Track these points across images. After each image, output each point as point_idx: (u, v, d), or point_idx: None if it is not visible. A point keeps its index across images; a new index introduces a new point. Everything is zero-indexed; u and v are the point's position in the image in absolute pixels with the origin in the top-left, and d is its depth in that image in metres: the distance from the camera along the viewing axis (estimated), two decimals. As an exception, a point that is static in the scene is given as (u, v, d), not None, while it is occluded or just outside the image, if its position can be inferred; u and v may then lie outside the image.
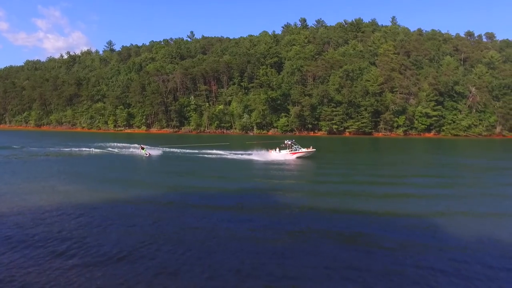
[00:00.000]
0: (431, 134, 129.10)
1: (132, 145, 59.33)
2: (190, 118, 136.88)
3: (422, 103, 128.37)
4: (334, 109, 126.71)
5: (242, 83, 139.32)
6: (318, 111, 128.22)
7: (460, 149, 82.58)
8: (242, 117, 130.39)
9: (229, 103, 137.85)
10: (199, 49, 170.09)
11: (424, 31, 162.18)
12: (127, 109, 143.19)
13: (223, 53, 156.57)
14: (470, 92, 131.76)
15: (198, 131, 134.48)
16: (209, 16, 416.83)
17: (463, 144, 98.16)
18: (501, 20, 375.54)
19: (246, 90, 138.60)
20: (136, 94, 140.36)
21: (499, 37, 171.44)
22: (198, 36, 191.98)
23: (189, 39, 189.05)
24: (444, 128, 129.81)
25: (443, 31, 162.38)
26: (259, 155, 50.45)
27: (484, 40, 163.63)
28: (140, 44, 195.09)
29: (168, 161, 47.95)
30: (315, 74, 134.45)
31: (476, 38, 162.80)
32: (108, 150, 57.99)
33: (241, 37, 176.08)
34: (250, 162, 46.65)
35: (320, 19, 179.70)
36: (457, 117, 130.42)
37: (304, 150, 51.08)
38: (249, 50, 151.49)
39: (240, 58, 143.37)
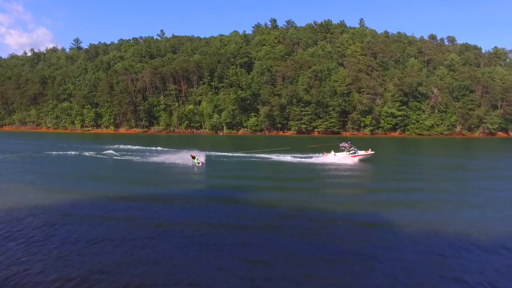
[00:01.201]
0: (396, 133, 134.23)
1: (173, 151, 52.13)
2: (160, 118, 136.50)
3: (388, 103, 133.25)
4: (303, 109, 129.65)
5: (212, 83, 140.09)
6: (287, 111, 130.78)
7: (423, 148, 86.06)
8: (212, 117, 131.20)
9: (199, 102, 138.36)
10: (169, 48, 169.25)
11: (390, 33, 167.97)
12: (94, 109, 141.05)
13: (193, 53, 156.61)
14: (433, 93, 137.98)
15: (168, 131, 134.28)
16: (179, 15, 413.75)
17: (426, 143, 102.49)
18: (461, 24, 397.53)
19: (216, 90, 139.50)
20: (104, 94, 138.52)
21: (459, 40, 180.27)
22: (168, 35, 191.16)
23: (159, 38, 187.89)
24: (408, 127, 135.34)
25: (408, 34, 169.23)
26: (320, 159, 48.03)
27: (446, 43, 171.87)
28: (108, 42, 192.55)
29: (241, 166, 42.71)
30: (284, 74, 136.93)
31: (439, 41, 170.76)
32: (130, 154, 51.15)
33: (211, 36, 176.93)
34: (325, 166, 44.04)
35: (290, 19, 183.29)
36: (420, 117, 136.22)
37: (363, 152, 48.90)
38: (219, 50, 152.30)
39: (210, 58, 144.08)
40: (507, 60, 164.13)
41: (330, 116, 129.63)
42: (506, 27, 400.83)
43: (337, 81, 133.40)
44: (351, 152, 48.18)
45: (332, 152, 48.56)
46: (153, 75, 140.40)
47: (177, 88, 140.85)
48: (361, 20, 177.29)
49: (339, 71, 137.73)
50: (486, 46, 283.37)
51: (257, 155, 50.16)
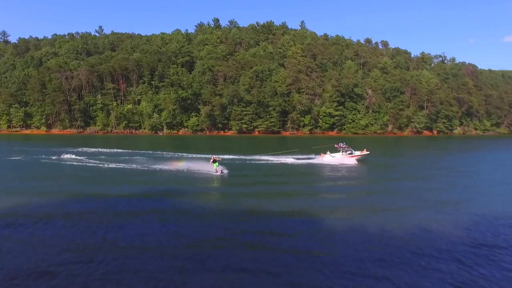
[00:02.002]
0: (333, 133, 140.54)
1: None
2: (96, 118, 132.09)
3: (326, 103, 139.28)
4: (244, 108, 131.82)
5: (152, 82, 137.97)
6: (228, 111, 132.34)
7: (362, 146, 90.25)
8: (152, 117, 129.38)
9: (139, 102, 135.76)
10: (108, 45, 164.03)
11: (329, 36, 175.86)
12: (23, 108, 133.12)
13: (133, 51, 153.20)
14: (367, 94, 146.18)
15: (105, 131, 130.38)
16: (119, 11, 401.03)
17: (362, 142, 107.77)
18: (393, 30, 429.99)
19: (156, 89, 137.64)
20: (35, 92, 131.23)
21: (392, 45, 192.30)
22: (107, 31, 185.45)
23: (97, 34, 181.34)
24: (345, 126, 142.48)
25: (346, 37, 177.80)
26: (321, 160, 48.37)
27: (380, 47, 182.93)
28: (40, 37, 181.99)
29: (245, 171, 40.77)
30: (226, 74, 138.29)
31: (373, 45, 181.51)
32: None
33: (153, 34, 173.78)
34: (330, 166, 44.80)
35: (233, 20, 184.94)
36: (356, 116, 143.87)
37: (358, 152, 49.62)
38: (160, 48, 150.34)
39: (151, 56, 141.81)
40: (432, 65, 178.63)
41: (270, 116, 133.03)
42: (432, 34, 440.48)
43: (277, 82, 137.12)
44: (347, 152, 49.23)
45: (328, 153, 49.46)
46: (90, 73, 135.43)
47: (115, 87, 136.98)
48: (302, 22, 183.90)
49: (280, 71, 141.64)
50: (415, 51, 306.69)
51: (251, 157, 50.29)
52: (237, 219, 20.74)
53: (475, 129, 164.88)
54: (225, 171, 35.88)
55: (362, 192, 30.50)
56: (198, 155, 49.98)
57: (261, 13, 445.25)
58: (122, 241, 16.75)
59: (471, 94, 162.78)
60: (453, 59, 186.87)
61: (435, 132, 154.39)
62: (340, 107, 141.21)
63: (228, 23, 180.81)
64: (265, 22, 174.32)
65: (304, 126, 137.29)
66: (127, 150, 56.44)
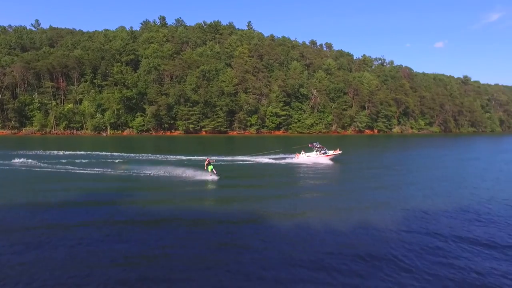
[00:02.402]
0: (280, 132, 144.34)
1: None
2: (33, 118, 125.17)
3: (272, 103, 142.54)
4: (190, 108, 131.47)
5: (95, 81, 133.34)
6: (174, 111, 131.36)
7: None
8: (95, 117, 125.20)
9: (80, 101, 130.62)
10: (46, 41, 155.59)
11: (276, 37, 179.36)
12: None
13: (74, 47, 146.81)
14: (312, 94, 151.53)
15: (43, 132, 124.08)
16: (59, 5, 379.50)
17: (308, 141, 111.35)
18: (337, 32, 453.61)
19: (99, 88, 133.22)
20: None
21: (336, 47, 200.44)
22: (44, 26, 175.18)
23: (33, 29, 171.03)
24: (291, 126, 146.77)
25: (292, 39, 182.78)
26: (297, 159, 48.91)
27: (324, 49, 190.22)
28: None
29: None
30: (172, 74, 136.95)
31: (318, 46, 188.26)
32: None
33: (95, 31, 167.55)
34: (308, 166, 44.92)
35: (180, 18, 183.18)
36: (302, 116, 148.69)
37: (332, 152, 50.47)
38: (103, 46, 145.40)
39: (93, 54, 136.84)
40: (372, 67, 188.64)
41: (217, 115, 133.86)
42: (373, 38, 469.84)
43: (224, 82, 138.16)
44: (322, 152, 50.22)
45: (303, 153, 50.23)
46: (25, 70, 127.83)
47: (54, 86, 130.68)
48: (249, 23, 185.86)
49: (227, 71, 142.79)
50: (357, 54, 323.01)
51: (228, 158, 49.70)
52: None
53: (411, 128, 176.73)
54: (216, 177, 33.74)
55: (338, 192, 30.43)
56: (145, 156, 50.20)
57: (208, 13, 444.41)
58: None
59: (408, 95, 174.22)
60: (392, 62, 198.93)
61: (375, 131, 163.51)
62: (286, 107, 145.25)
63: (175, 22, 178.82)
64: (212, 22, 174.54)
65: (251, 126, 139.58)
66: (77, 152, 54.77)
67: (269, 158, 49.97)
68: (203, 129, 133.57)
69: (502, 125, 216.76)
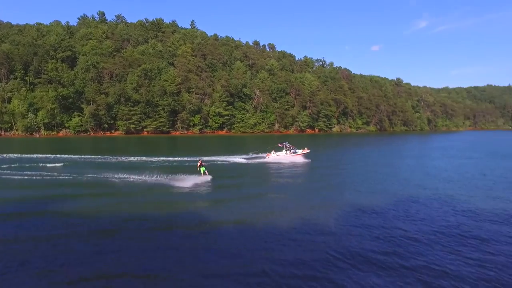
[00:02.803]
0: (223, 132, 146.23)
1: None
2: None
3: (215, 103, 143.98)
4: (131, 108, 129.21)
5: (26, 78, 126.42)
6: (115, 110, 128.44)
7: (250, 145, 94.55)
8: (26, 117, 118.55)
9: (9, 100, 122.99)
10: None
11: (219, 36, 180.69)
12: None
13: (2, 41, 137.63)
14: (255, 94, 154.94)
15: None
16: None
17: (251, 140, 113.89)
18: (280, 34, 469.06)
19: (31, 86, 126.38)
20: None
21: (278, 48, 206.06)
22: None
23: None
24: (234, 126, 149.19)
25: (236, 39, 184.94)
26: (268, 159, 49.64)
27: (267, 49, 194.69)
28: None
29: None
30: (112, 72, 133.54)
31: (261, 47, 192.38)
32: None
33: (27, 24, 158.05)
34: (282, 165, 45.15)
35: (120, 14, 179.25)
36: (245, 116, 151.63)
37: (300, 151, 51.65)
38: (36, 41, 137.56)
39: (24, 49, 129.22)
40: (313, 68, 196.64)
41: (159, 115, 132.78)
42: (314, 40, 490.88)
43: (167, 81, 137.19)
44: (291, 151, 51.41)
45: (273, 152, 51.32)
46: None
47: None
48: (192, 22, 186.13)
49: (170, 70, 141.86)
50: (299, 55, 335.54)
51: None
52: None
53: (350, 127, 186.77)
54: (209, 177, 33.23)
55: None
56: (84, 158, 48.89)
57: (150, 10, 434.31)
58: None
59: (346, 96, 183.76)
60: (332, 64, 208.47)
61: (316, 130, 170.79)
62: (230, 107, 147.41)
63: (115, 18, 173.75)
64: (155, 19, 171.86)
65: (194, 125, 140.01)
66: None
67: (241, 158, 51.01)
68: (144, 129, 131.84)
69: (429, 124, 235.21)
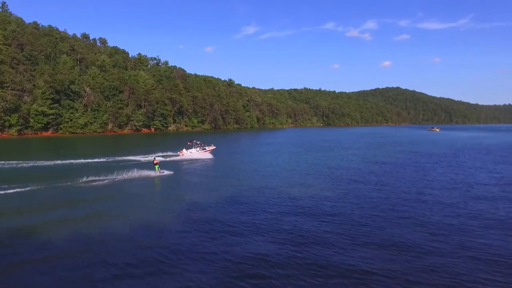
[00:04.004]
0: (49, 133, 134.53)
1: None
2: None
3: (38, 100, 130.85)
4: None
5: None
6: None
7: (79, 147, 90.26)
8: None
9: None
10: None
11: (40, 25, 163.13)
12: None
13: None
14: (85, 92, 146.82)
15: None
16: None
17: (81, 142, 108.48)
18: (112, 28, 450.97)
19: None
20: None
21: (110, 43, 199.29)
22: None
23: None
24: (62, 126, 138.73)
25: (61, 29, 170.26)
26: (183, 156, 56.17)
27: (98, 44, 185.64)
28: None
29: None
30: None
31: (91, 41, 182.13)
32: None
33: None
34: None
35: None
36: (74, 115, 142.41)
37: (208, 148, 60.96)
38: None
39: None
40: (148, 66, 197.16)
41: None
42: (148, 37, 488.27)
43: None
44: (202, 148, 59.54)
45: (185, 150, 57.57)
46: None
47: None
48: (4, 4, 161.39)
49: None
50: (133, 52, 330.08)
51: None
52: None
53: (186, 126, 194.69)
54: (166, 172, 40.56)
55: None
56: None
57: None
58: None
59: (182, 95, 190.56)
60: (166, 62, 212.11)
61: (152, 129, 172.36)
62: (55, 105, 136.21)
63: None
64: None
65: (10, 126, 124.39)
66: None
67: (158, 157, 52.47)
68: None
69: (258, 122, 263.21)
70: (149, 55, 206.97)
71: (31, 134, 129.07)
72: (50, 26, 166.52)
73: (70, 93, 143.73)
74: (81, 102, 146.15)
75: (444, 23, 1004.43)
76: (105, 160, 53.61)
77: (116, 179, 36.50)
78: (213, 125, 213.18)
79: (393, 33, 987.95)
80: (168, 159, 55.27)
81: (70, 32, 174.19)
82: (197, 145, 59.97)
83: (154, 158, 43.16)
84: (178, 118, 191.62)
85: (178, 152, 58.06)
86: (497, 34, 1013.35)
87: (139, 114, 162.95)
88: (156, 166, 40.57)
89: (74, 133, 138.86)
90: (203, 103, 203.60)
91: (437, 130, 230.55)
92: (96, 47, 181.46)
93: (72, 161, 51.44)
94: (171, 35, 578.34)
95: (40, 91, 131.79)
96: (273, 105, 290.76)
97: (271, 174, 42.88)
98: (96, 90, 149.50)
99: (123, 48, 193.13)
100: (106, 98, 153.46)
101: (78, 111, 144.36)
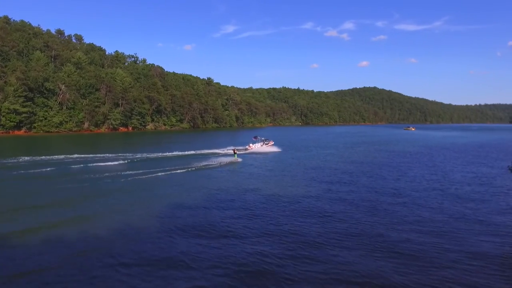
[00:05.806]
0: (22, 132, 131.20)
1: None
2: None
3: (9, 98, 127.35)
4: None
5: None
6: None
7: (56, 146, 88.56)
8: None
9: None
10: None
11: (12, 19, 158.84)
12: None
13: None
14: (60, 90, 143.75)
15: None
16: None
17: (57, 140, 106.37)
18: (88, 25, 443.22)
19: None
20: None
21: (87, 40, 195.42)
22: None
23: None
24: (35, 125, 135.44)
25: (34, 25, 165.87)
26: (252, 150, 66.58)
27: (74, 41, 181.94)
28: None
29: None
30: None
31: (66, 37, 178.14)
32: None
33: None
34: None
35: None
36: (48, 113, 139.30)
37: (269, 142, 73.04)
38: None
39: None
40: (126, 64, 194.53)
41: None
42: (126, 34, 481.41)
43: None
44: (265, 142, 71.06)
45: (251, 144, 68.21)
46: None
47: None
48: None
49: None
50: (110, 49, 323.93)
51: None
52: None
53: (164, 124, 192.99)
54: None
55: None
56: None
57: None
58: None
59: (160, 93, 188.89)
60: (144, 60, 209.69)
61: (130, 128, 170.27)
62: (29, 103, 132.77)
63: None
64: None
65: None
66: None
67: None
68: None
69: (237, 121, 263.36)
70: (126, 53, 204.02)
71: (3, 133, 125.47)
72: (22, 21, 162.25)
73: (45, 91, 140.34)
74: (56, 100, 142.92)
75: (419, 25, 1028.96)
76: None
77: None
78: (192, 124, 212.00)
79: (370, 34, 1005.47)
80: (241, 152, 63.55)
81: (44, 28, 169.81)
82: (261, 140, 71.40)
83: (234, 149, 57.04)
84: (156, 116, 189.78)
85: (247, 146, 68.23)
86: (470, 37, 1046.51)
87: (116, 112, 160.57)
88: (235, 155, 54.89)
89: (48, 131, 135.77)
90: (181, 101, 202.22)
91: (413, 129, 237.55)
92: (72, 43, 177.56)
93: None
94: (150, 33, 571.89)
95: (12, 88, 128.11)
96: (252, 104, 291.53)
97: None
98: (71, 88, 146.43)
99: (99, 45, 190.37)
100: (82, 96, 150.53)
101: (53, 109, 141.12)
